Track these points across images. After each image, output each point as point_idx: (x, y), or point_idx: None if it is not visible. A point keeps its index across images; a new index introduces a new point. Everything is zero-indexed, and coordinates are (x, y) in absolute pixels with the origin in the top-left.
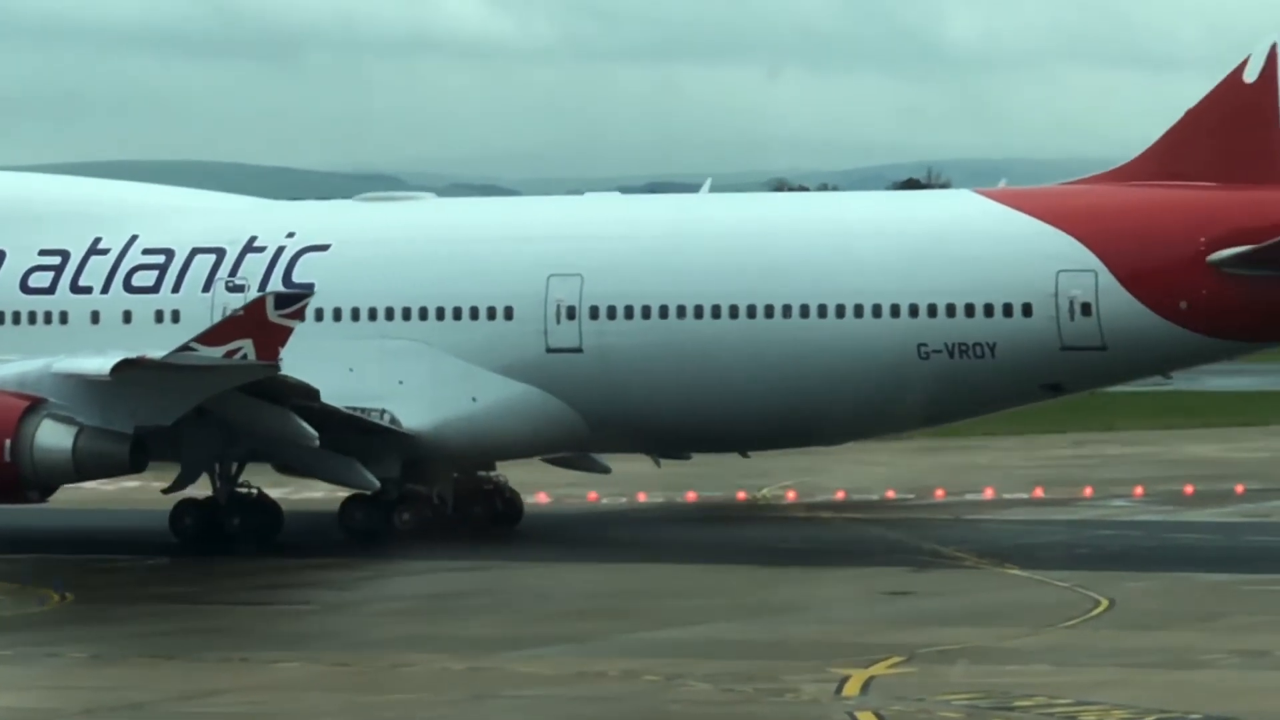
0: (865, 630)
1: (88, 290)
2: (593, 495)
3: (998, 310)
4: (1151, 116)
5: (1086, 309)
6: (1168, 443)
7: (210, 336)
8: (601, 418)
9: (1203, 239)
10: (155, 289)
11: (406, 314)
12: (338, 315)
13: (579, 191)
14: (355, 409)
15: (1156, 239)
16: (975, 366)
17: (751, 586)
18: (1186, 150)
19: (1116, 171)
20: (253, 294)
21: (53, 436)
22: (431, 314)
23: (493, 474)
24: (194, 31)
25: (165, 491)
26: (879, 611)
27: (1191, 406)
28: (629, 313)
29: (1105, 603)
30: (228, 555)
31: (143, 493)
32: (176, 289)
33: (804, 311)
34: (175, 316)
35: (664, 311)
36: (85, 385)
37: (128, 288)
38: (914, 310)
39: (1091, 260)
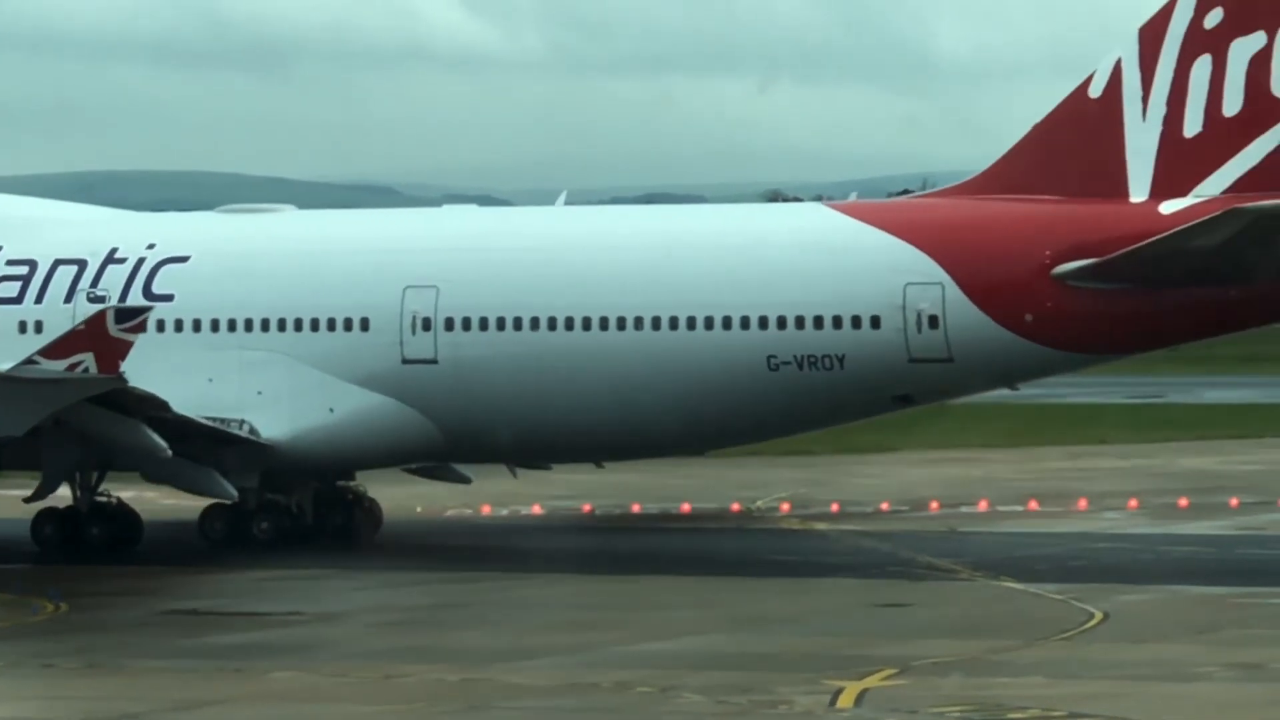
0: (859, 642)
1: None
2: (587, 507)
3: (846, 322)
4: None
5: (934, 321)
6: (1162, 455)
7: (53, 350)
8: (456, 428)
9: (1048, 252)
10: (19, 300)
11: (265, 325)
12: (197, 326)
13: (573, 203)
14: (214, 419)
15: (1002, 252)
16: (824, 378)
17: (745, 598)
18: (1033, 164)
19: (965, 185)
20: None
21: None
22: (290, 325)
23: (352, 483)
24: (183, 42)
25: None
26: (873, 623)
27: (1186, 419)
28: (484, 324)
29: (1099, 615)
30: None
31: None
32: (39, 300)
33: (655, 324)
34: (38, 327)
35: (518, 323)
36: None
37: None
38: (764, 322)
39: (939, 273)
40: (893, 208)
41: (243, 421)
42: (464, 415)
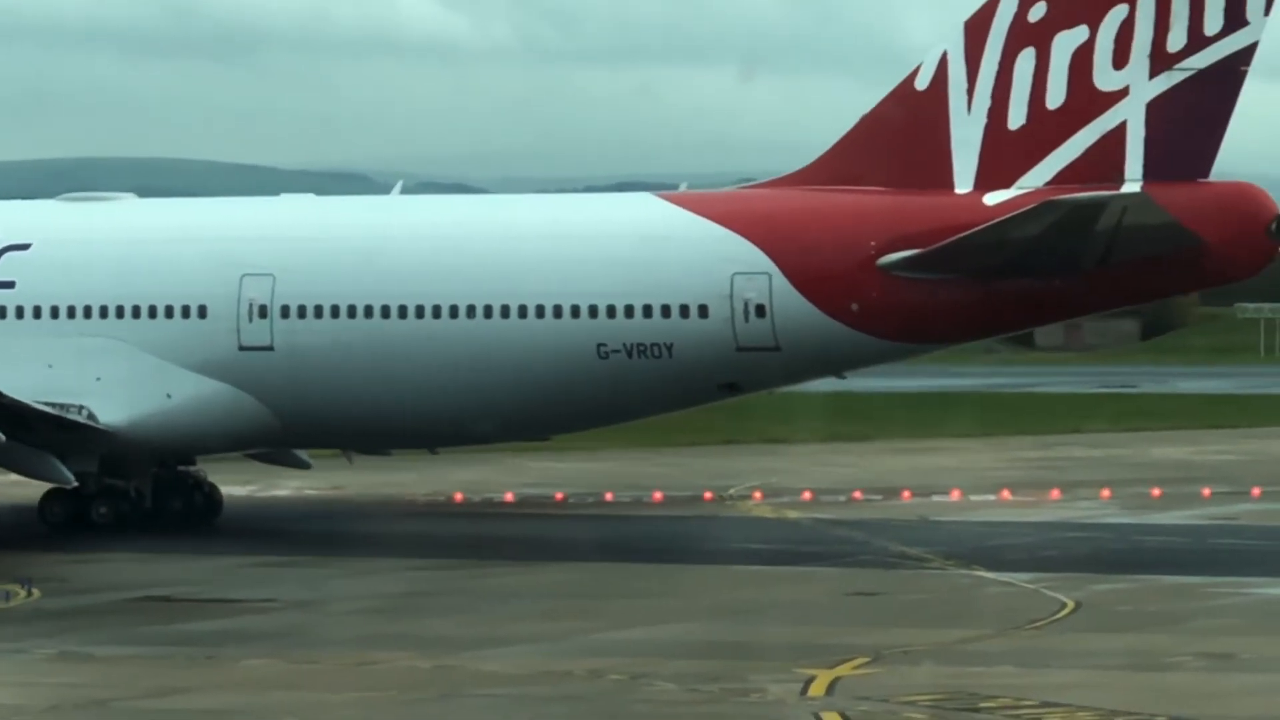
0: (831, 631)
1: None
2: (559, 495)
3: (675, 311)
4: None
5: (761, 310)
6: (1135, 445)
7: None
8: (293, 414)
9: (873, 243)
10: None
11: (104, 312)
12: (38, 313)
13: (547, 190)
14: (53, 405)
15: (828, 243)
16: (652, 366)
17: (717, 586)
18: (860, 156)
19: (794, 176)
20: None
21: None
22: (128, 312)
23: (192, 468)
24: (148, 31)
25: None
26: (845, 612)
27: (1159, 409)
28: (319, 312)
29: (1071, 604)
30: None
31: None
32: None
33: (487, 312)
34: None
35: (352, 311)
36: None
37: None
38: (593, 311)
39: (765, 263)
40: (721, 198)
41: (81, 407)
42: (300, 402)
